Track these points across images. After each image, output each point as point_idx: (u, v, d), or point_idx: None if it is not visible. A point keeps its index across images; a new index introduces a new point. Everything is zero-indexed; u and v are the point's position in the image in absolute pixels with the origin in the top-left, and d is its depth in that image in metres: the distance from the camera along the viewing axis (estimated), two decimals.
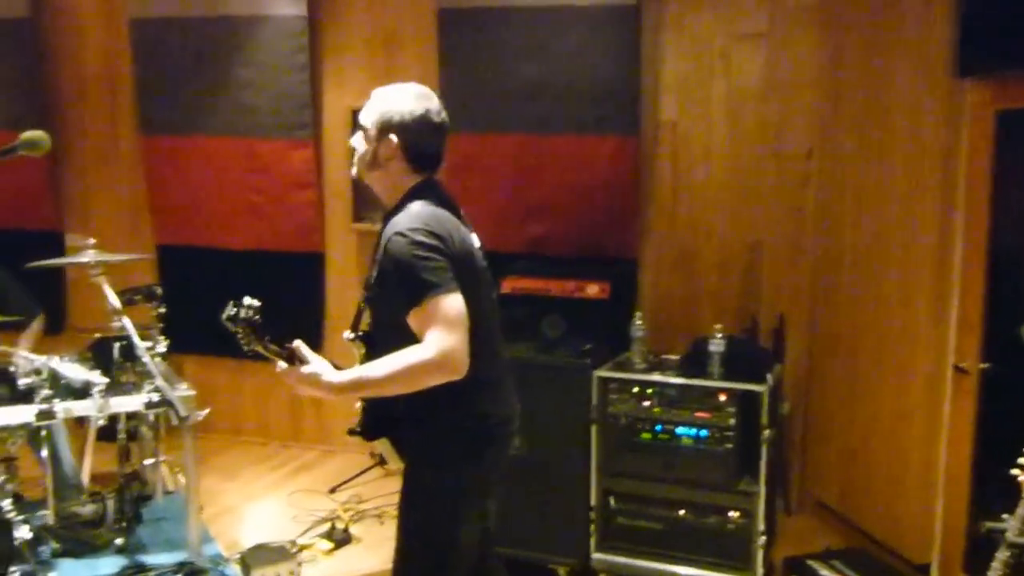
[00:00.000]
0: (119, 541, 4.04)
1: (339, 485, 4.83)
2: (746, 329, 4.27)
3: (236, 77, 5.28)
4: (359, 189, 5.25)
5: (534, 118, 4.67)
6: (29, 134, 2.66)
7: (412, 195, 2.43)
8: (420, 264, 2.25)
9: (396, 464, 2.48)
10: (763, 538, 3.64)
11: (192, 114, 5.43)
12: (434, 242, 2.28)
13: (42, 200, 5.78)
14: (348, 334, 2.35)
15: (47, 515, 3.81)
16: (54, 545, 3.99)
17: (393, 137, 2.42)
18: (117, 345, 3.90)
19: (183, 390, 3.80)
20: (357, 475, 4.93)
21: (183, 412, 3.61)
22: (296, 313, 5.46)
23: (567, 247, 4.66)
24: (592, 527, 3.82)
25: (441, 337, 2.21)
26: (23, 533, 3.52)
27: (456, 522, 2.44)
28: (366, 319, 2.54)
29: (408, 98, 2.45)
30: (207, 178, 5.46)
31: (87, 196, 5.85)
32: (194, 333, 5.47)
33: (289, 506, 4.63)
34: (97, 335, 4.10)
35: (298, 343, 2.26)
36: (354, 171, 2.55)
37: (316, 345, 5.31)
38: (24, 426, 3.69)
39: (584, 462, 3.78)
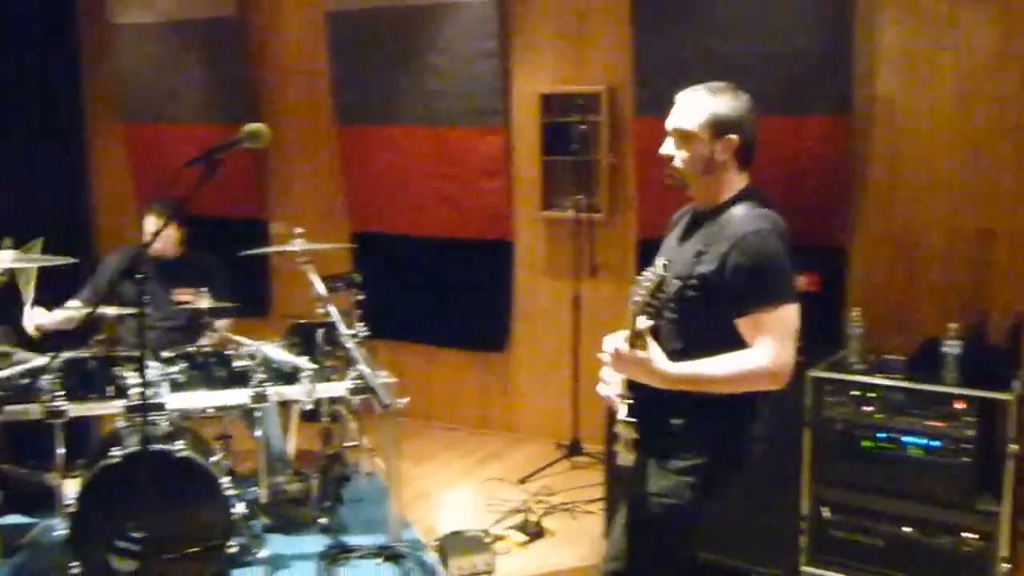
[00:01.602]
0: (323, 520, 4.16)
1: (529, 476, 4.82)
2: (972, 327, 3.92)
3: (427, 65, 5.33)
4: (549, 176, 5.21)
5: None
6: (250, 127, 2.75)
7: (743, 197, 2.42)
8: (773, 268, 2.28)
9: (626, 460, 2.41)
10: (1006, 566, 3.32)
11: (384, 103, 5.54)
12: (783, 247, 2.31)
13: (248, 189, 6.05)
14: (645, 321, 2.29)
15: (259, 492, 3.95)
16: (265, 520, 4.15)
17: (733, 136, 2.38)
18: (320, 331, 4.00)
19: (385, 377, 3.86)
20: (546, 466, 4.91)
21: (385, 400, 3.67)
22: (483, 300, 5.51)
23: None
24: (802, 538, 3.62)
25: (779, 347, 2.27)
26: (238, 508, 3.68)
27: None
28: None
29: (727, 94, 2.42)
30: (399, 166, 5.56)
31: (288, 185, 6.07)
32: (386, 319, 5.63)
33: (481, 494, 4.65)
34: (296, 320, 4.24)
35: (644, 325, 2.24)
36: (674, 179, 2.48)
37: (503, 335, 5.42)
38: (239, 407, 3.86)
39: (795, 468, 3.58)
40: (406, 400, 3.85)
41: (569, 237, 5.08)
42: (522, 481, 4.78)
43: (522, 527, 4.19)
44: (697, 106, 2.42)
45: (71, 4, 6.47)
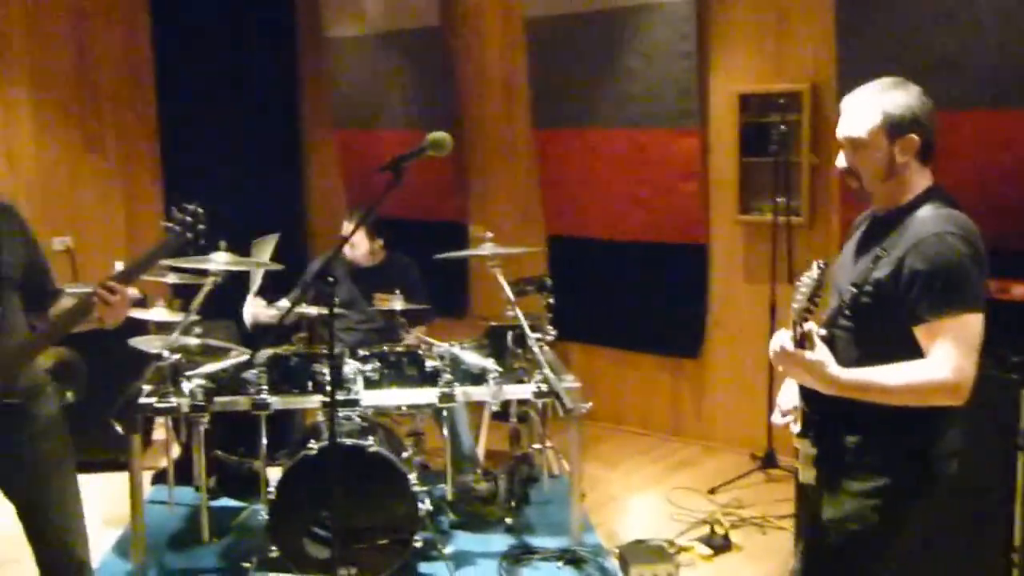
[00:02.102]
0: (509, 520, 4.24)
1: (720, 486, 4.70)
2: None
3: (622, 68, 5.30)
4: (746, 178, 5.06)
5: (947, 94, 4.16)
6: (434, 135, 2.83)
7: (927, 197, 2.25)
8: (954, 273, 2.12)
9: (806, 477, 2.31)
10: None
11: (580, 107, 5.56)
12: (973, 253, 2.14)
13: (449, 194, 6.24)
14: (816, 327, 2.21)
15: (446, 489, 4.07)
16: (452, 517, 4.27)
17: (912, 135, 2.22)
18: (510, 334, 4.07)
19: (569, 381, 3.87)
20: (738, 477, 4.76)
21: (568, 404, 3.69)
22: (677, 305, 5.42)
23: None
24: (1015, 572, 3.31)
25: (961, 359, 2.10)
26: (425, 504, 3.81)
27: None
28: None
29: (897, 90, 2.25)
30: (594, 170, 5.57)
31: (487, 189, 6.21)
32: (580, 322, 5.67)
33: (668, 503, 4.57)
34: (491, 323, 4.32)
35: (812, 326, 2.18)
36: (858, 185, 2.32)
37: (698, 340, 5.32)
38: (428, 406, 3.99)
39: (1006, 495, 3.28)
40: (589, 404, 3.85)
41: (767, 241, 4.90)
42: (712, 492, 4.66)
43: (708, 540, 4.08)
44: (867, 110, 2.24)
45: (291, 20, 6.91)
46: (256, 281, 4.41)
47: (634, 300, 5.57)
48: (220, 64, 6.42)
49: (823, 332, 2.26)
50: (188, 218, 2.74)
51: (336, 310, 4.56)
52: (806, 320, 2.17)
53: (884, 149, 2.23)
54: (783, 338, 2.24)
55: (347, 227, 4.68)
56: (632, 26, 5.21)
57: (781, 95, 4.76)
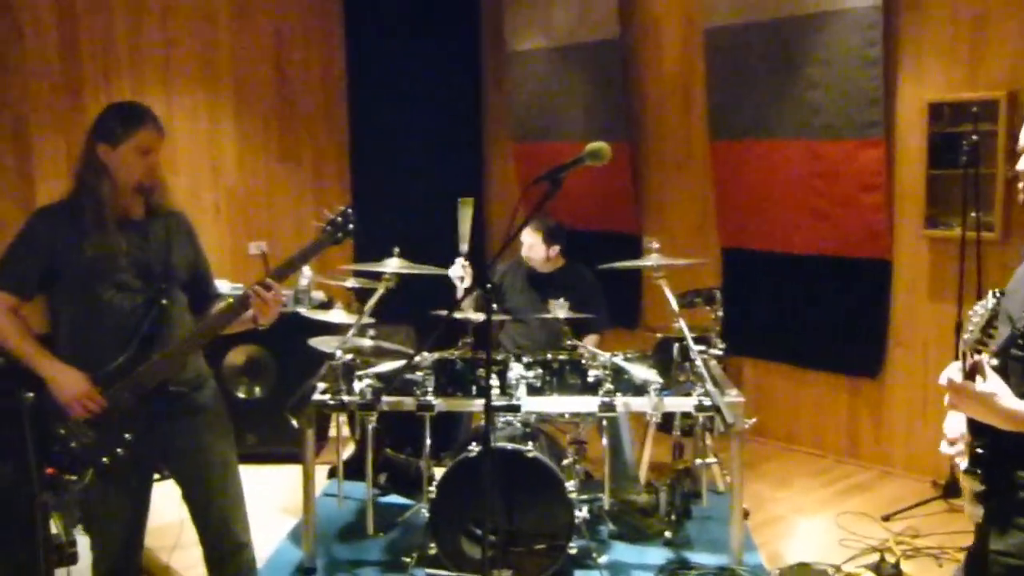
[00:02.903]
0: (668, 534, 4.20)
1: (894, 513, 4.46)
2: None
3: (802, 77, 5.15)
4: (934, 191, 4.80)
5: None
6: (593, 145, 2.84)
7: None
8: None
9: (973, 514, 2.19)
10: None
11: (758, 117, 5.44)
12: None
13: (625, 204, 6.26)
14: (988, 358, 2.11)
15: (605, 498, 4.08)
16: (610, 527, 4.28)
17: None
18: (676, 346, 4.04)
19: (732, 396, 3.81)
20: (915, 505, 4.51)
21: (729, 419, 3.62)
22: (857, 322, 5.20)
23: None
24: None
25: None
26: (583, 512, 3.84)
27: None
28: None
29: None
30: (770, 181, 5.43)
31: (663, 200, 6.18)
32: (754, 337, 5.55)
33: (838, 527, 4.39)
34: (661, 335, 4.30)
35: (983, 357, 2.09)
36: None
37: (878, 360, 5.08)
38: (589, 415, 4.02)
39: None
40: (752, 420, 3.77)
41: (955, 257, 4.62)
42: (886, 518, 4.44)
43: (878, 568, 3.89)
44: None
45: (477, 35, 7.13)
46: (464, 242, 4.48)
47: (811, 315, 5.39)
48: (408, 79, 6.71)
49: (995, 361, 2.12)
50: (339, 218, 2.89)
51: (502, 317, 4.75)
52: (979, 351, 2.05)
53: None
54: (952, 370, 2.12)
55: (525, 233, 4.79)
56: (814, 34, 5.06)
57: (975, 103, 4.49)
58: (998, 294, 2.05)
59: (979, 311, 2.03)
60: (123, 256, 2.72)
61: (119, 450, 2.70)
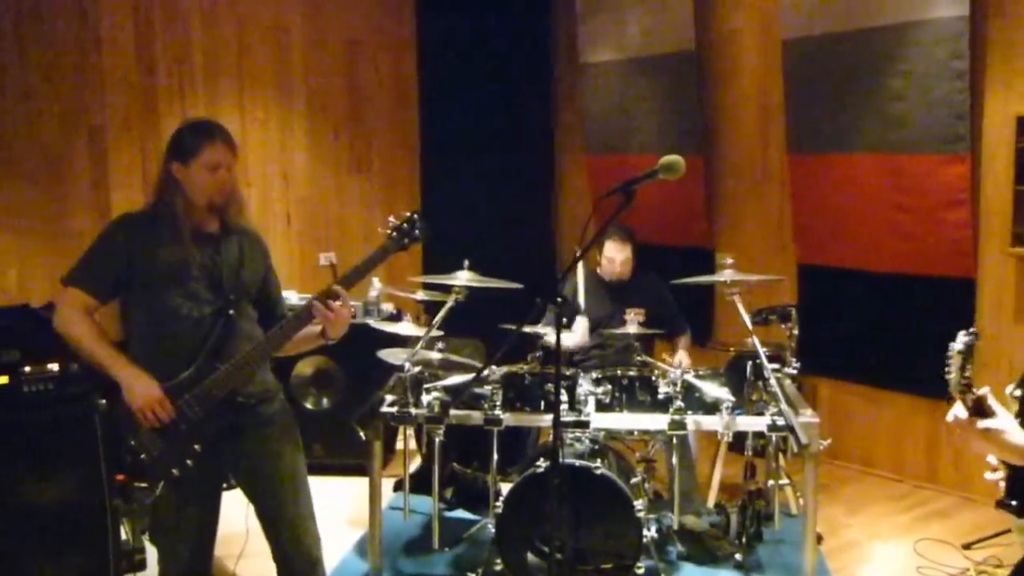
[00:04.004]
0: (739, 556, 4.09)
1: (976, 541, 4.29)
2: None
3: (883, 90, 5.00)
4: (1022, 208, 4.61)
5: None
6: (667, 159, 2.78)
7: None
8: None
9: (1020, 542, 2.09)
10: None
11: (837, 131, 5.30)
12: None
13: (697, 219, 6.16)
14: (1015, 389, 2.03)
15: (673, 518, 3.99)
16: (679, 548, 4.18)
17: None
18: (749, 364, 3.94)
19: (807, 416, 3.69)
20: (998, 534, 4.32)
21: (804, 440, 3.50)
22: (938, 342, 5.00)
23: None
24: None
25: None
26: (651, 531, 3.75)
27: None
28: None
29: None
30: (850, 196, 5.28)
31: (737, 215, 6.06)
32: (830, 356, 5.40)
33: (916, 554, 4.24)
34: (734, 352, 4.20)
35: (987, 391, 2.01)
36: None
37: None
38: (658, 432, 3.94)
39: None
40: (827, 442, 3.66)
41: None
42: (967, 547, 4.26)
43: None
44: None
45: (550, 47, 7.10)
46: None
47: (890, 335, 5.22)
48: (479, 91, 6.72)
49: (1019, 392, 2.03)
50: (405, 224, 2.88)
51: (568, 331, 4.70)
52: (968, 388, 1.95)
53: None
54: (958, 408, 2.03)
55: (615, 249, 4.76)
56: (897, 45, 4.91)
57: None
58: (972, 333, 2.00)
59: (953, 352, 1.96)
60: (196, 267, 2.77)
61: (188, 461, 2.72)
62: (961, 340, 2.00)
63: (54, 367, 3.56)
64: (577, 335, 4.53)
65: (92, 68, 5.46)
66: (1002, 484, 2.21)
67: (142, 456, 2.71)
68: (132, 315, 2.84)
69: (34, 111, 5.24)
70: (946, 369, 2.03)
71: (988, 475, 2.29)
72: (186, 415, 2.71)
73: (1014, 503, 2.12)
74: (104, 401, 3.52)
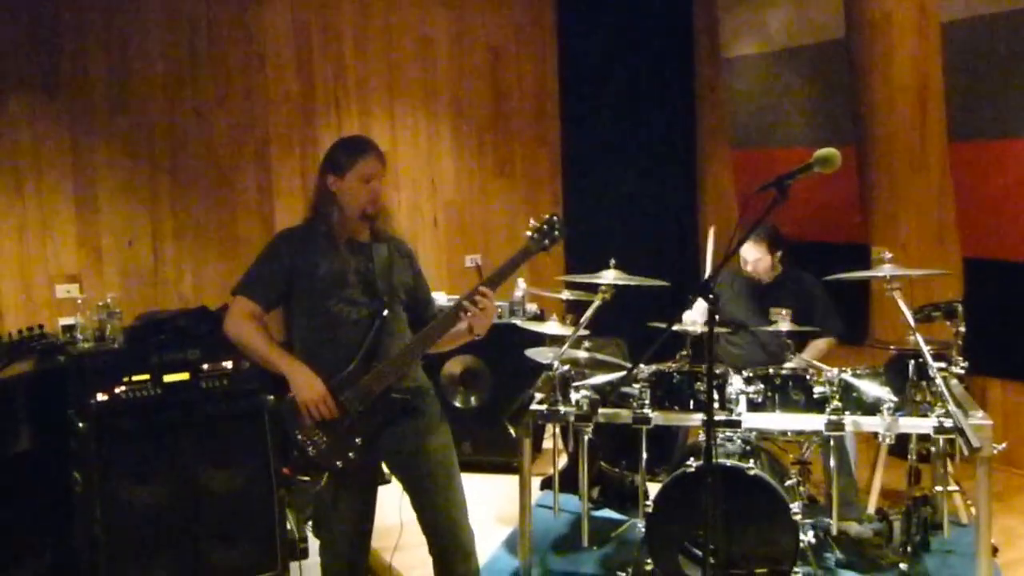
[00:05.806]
0: (903, 566, 3.89)
1: None
2: None
3: None
4: None
5: None
6: (822, 151, 2.70)
7: None
8: None
9: None
10: None
11: (1004, 116, 4.99)
12: None
13: (850, 213, 5.93)
14: None
15: (832, 523, 3.84)
16: (838, 555, 4.02)
17: None
18: (912, 363, 3.75)
19: (979, 418, 3.48)
20: None
21: (975, 443, 3.30)
22: None
23: None
24: None
25: None
26: (808, 536, 3.63)
27: None
28: None
29: None
30: (1019, 184, 4.97)
31: (895, 208, 5.80)
32: (1001, 355, 5.09)
33: None
34: (894, 350, 4.01)
35: None
36: None
37: None
38: (814, 433, 3.80)
39: None
40: (1002, 446, 3.44)
41: None
42: None
43: None
44: None
45: (690, 41, 6.99)
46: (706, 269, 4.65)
47: None
48: (620, 89, 6.68)
49: None
50: (545, 226, 2.97)
51: (721, 329, 4.59)
52: None
53: None
54: None
55: (748, 248, 4.65)
56: None
57: None
58: None
59: None
60: (352, 274, 2.94)
61: (351, 454, 2.88)
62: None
63: (228, 365, 3.86)
64: (696, 313, 4.40)
65: (258, 86, 5.72)
66: None
67: (308, 449, 2.88)
68: (295, 320, 3.02)
69: (207, 127, 5.55)
70: None
71: None
72: (347, 410, 2.86)
73: None
74: (272, 397, 3.74)
